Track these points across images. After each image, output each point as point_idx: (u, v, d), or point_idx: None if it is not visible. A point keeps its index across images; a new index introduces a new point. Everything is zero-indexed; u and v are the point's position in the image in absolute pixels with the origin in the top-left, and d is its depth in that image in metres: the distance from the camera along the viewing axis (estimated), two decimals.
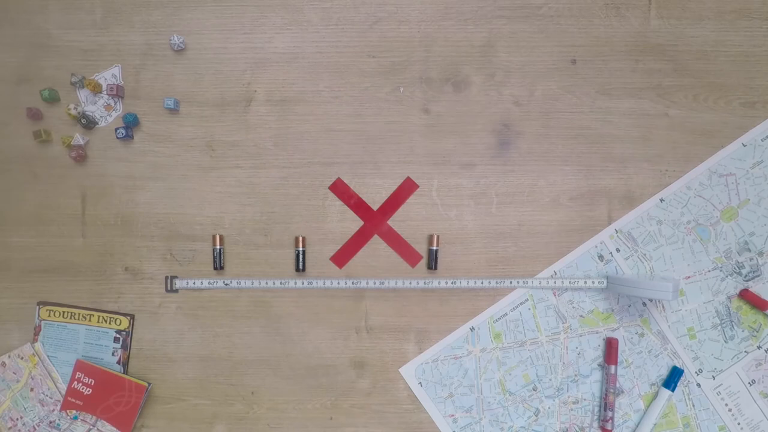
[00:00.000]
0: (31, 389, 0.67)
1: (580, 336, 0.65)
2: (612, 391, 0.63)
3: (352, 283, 0.65)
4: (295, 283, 0.65)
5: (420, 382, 0.66)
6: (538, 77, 0.65)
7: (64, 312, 0.66)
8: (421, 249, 0.66)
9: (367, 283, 0.65)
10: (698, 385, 0.64)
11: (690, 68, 0.65)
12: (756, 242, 0.64)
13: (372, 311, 0.66)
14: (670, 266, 0.65)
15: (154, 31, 0.66)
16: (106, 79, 0.66)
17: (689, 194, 0.65)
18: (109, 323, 0.66)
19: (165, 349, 0.67)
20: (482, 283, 0.65)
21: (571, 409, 0.65)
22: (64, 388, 0.66)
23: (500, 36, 0.65)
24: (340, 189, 0.66)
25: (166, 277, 0.65)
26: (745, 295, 0.64)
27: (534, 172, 0.66)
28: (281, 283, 0.65)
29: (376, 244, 0.66)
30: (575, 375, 0.65)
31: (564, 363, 0.65)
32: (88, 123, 0.65)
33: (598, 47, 0.65)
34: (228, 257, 0.66)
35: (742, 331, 0.64)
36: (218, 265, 0.65)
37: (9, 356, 0.67)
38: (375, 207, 0.66)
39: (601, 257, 0.65)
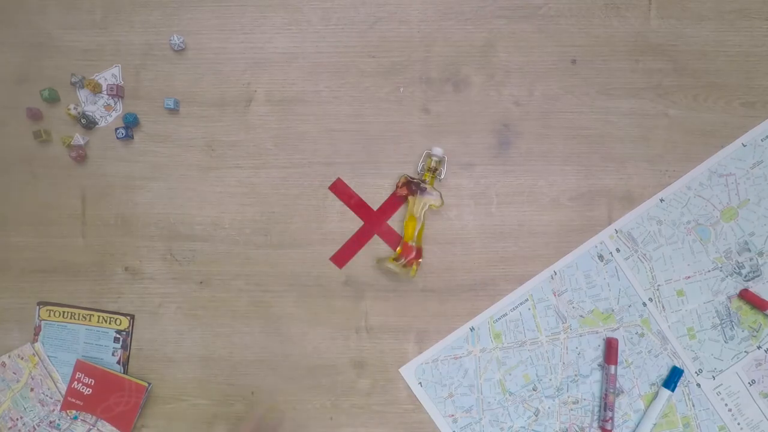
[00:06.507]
0: (31, 389, 0.67)
1: (580, 336, 0.65)
2: (612, 391, 0.63)
3: None
4: None
5: (420, 382, 0.65)
6: (538, 77, 0.65)
7: (64, 312, 0.66)
8: None
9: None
10: (698, 385, 0.64)
11: (690, 68, 0.65)
12: (756, 242, 0.64)
13: (372, 311, 0.66)
14: (670, 266, 0.65)
15: (154, 31, 0.66)
16: (106, 79, 0.66)
17: (689, 194, 0.65)
18: (109, 323, 0.66)
19: (165, 349, 0.67)
20: None
21: (571, 409, 0.65)
22: (64, 388, 0.66)
23: (500, 36, 0.65)
24: (340, 189, 0.66)
25: None
26: (745, 295, 0.64)
27: (534, 172, 0.66)
28: None
29: (376, 244, 0.66)
30: (575, 375, 0.65)
31: (564, 363, 0.65)
32: (88, 123, 0.65)
33: (598, 47, 0.65)
34: (228, 257, 0.66)
35: (742, 331, 0.64)
36: None
37: (9, 356, 0.67)
38: (375, 207, 0.66)
39: (601, 257, 0.65)
